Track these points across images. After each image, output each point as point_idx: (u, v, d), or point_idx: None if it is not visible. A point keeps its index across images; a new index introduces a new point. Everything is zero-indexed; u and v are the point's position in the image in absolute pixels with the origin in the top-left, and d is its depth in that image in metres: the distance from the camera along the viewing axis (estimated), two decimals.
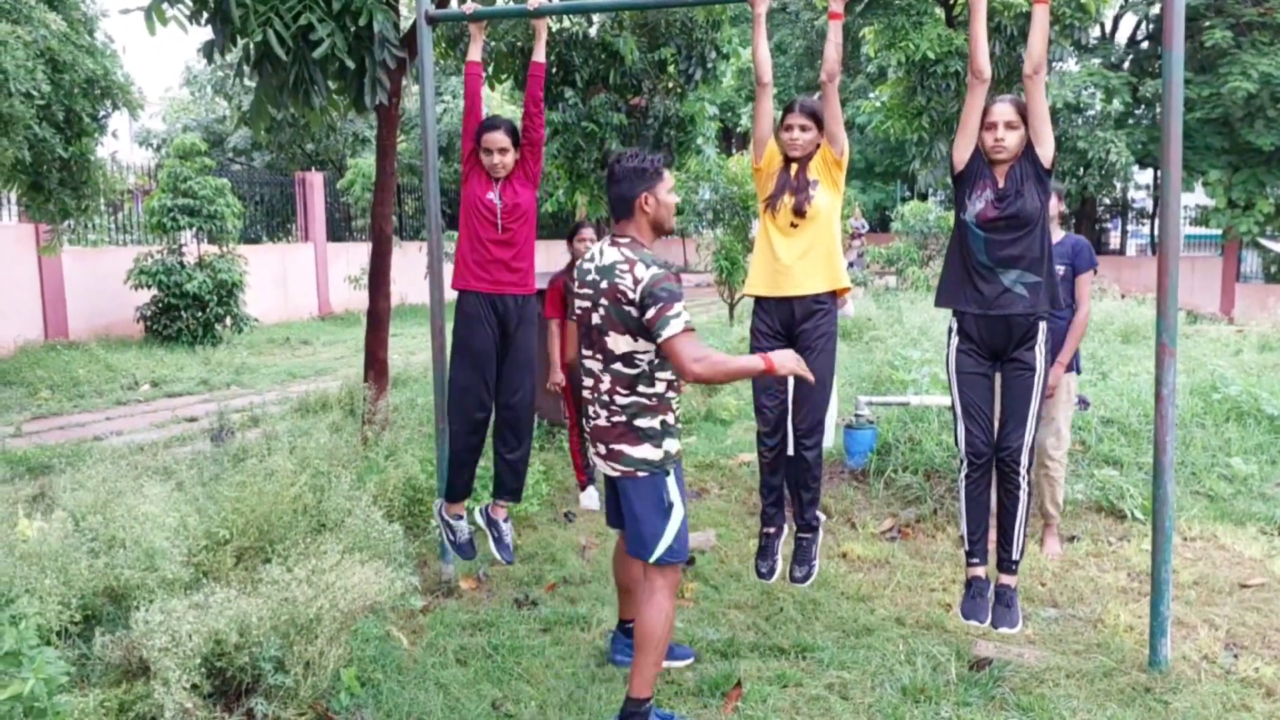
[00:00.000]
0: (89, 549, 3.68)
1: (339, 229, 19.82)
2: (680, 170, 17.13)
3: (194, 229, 12.93)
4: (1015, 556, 3.88)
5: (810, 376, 3.20)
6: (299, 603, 3.32)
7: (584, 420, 3.42)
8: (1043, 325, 3.68)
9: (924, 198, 23.39)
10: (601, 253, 3.23)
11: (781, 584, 4.55)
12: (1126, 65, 22.86)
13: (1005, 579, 3.88)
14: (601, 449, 3.27)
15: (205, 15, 5.20)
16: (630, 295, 3.07)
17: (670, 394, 3.24)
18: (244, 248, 14.36)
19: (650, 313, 3.03)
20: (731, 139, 28.58)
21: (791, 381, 4.01)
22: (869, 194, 27.56)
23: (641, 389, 3.18)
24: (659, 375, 3.19)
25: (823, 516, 5.13)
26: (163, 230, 12.72)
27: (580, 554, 5.08)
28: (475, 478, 4.59)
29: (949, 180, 4.02)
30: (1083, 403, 6.22)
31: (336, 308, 18.17)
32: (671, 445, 3.23)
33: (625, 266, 3.11)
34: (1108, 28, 24.81)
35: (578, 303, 3.30)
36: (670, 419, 3.24)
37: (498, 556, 4.46)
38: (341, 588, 3.42)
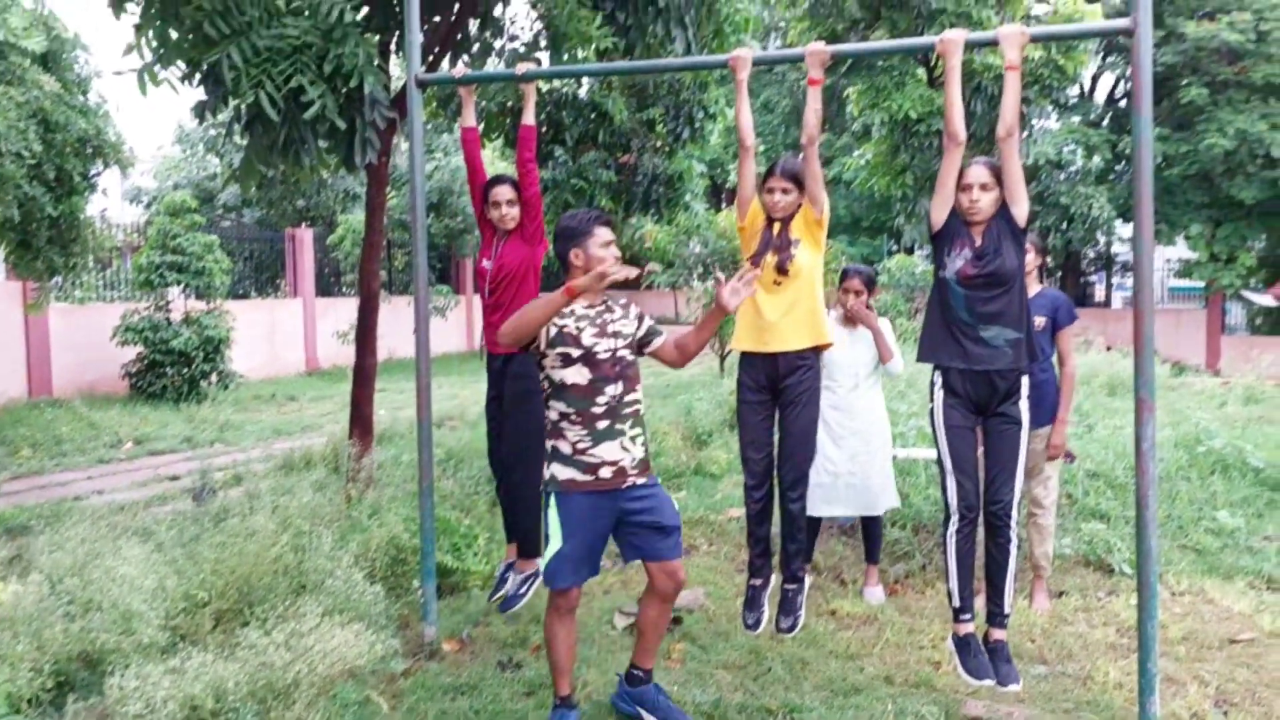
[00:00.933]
0: (64, 612, 3.63)
1: (328, 284, 19.87)
2: (670, 224, 17.33)
3: (182, 285, 12.94)
4: (1007, 610, 3.87)
5: (631, 272, 3.34)
6: (277, 667, 3.28)
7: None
8: (1025, 379, 3.72)
9: (910, 251, 23.61)
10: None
11: (770, 643, 4.52)
12: (1105, 123, 23.24)
13: (998, 634, 3.86)
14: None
15: (197, 77, 5.27)
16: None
17: (563, 424, 3.42)
18: (232, 303, 14.36)
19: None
20: (720, 194, 28.90)
21: (777, 435, 4.04)
22: (856, 248, 27.78)
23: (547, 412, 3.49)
24: (553, 403, 3.44)
25: (809, 570, 5.12)
26: (150, 287, 12.73)
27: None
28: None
29: (925, 235, 4.12)
30: (1069, 456, 6.22)
31: (324, 363, 18.14)
32: (558, 470, 3.40)
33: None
34: (1086, 87, 25.30)
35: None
36: (563, 446, 3.41)
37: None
38: (320, 651, 3.38)
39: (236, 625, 3.88)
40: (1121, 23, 3.56)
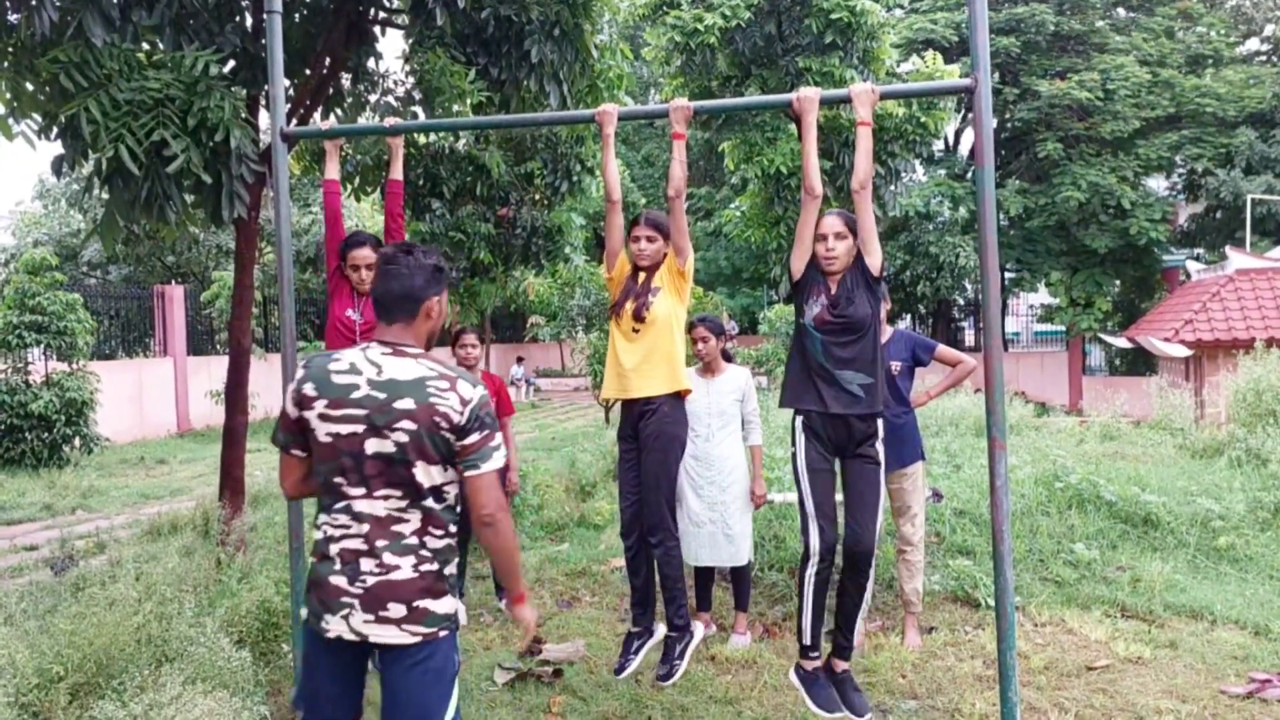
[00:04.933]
0: None
1: (201, 342, 19.24)
2: (552, 277, 17.40)
3: (42, 346, 12.39)
4: (856, 643, 4.01)
5: (524, 643, 2.88)
6: None
7: (354, 579, 2.59)
8: (879, 422, 3.87)
9: (788, 301, 24.21)
10: (378, 364, 2.63)
11: (650, 692, 4.53)
12: (969, 175, 24.46)
13: (844, 665, 3.96)
14: (395, 610, 2.56)
15: (55, 130, 5.10)
16: (455, 419, 2.57)
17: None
18: (97, 364, 13.78)
19: (473, 438, 2.58)
20: (603, 246, 29.19)
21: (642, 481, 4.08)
22: (737, 299, 28.41)
23: (451, 528, 2.68)
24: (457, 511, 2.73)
25: (707, 619, 5.16)
26: (7, 348, 12.15)
27: None
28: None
29: (787, 283, 4.25)
30: (936, 495, 6.46)
31: (197, 424, 17.49)
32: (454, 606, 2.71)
33: (444, 384, 2.59)
34: (950, 142, 26.61)
35: (332, 427, 2.60)
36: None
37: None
38: None
39: (93, 699, 3.69)
40: (963, 82, 3.80)
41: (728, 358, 5.28)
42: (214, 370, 17.38)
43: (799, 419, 3.91)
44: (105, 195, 5.33)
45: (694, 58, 12.45)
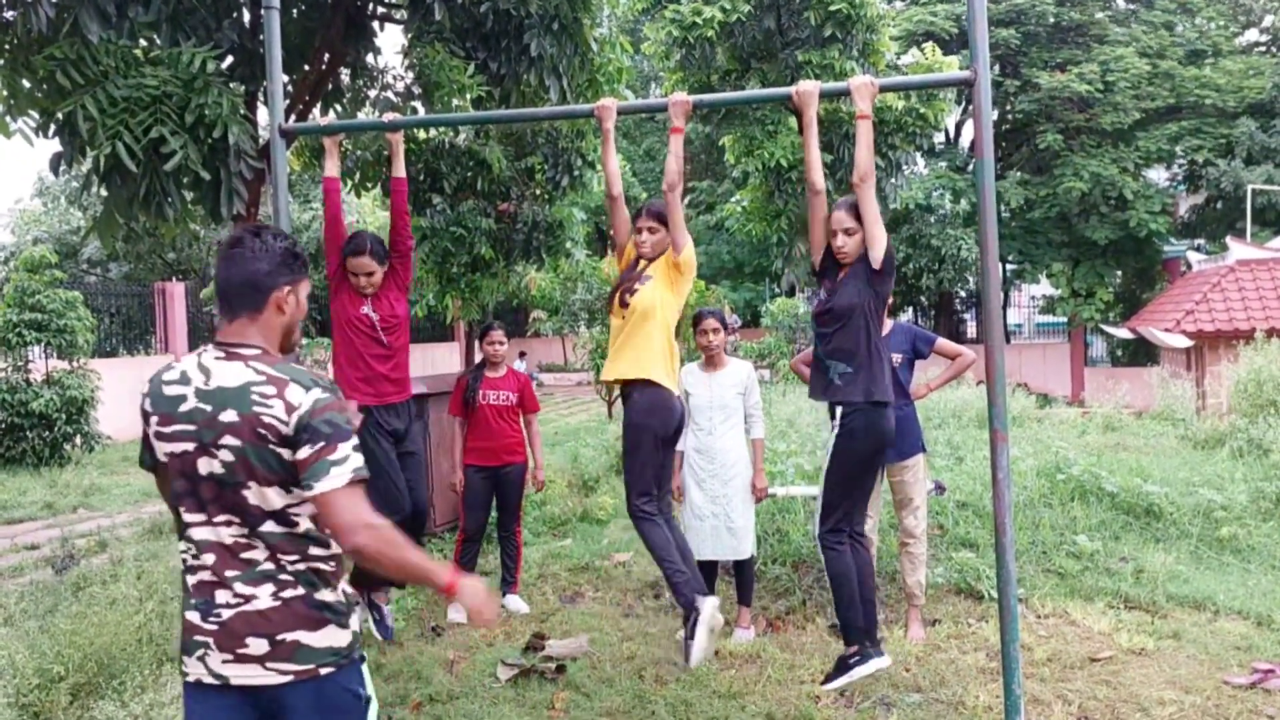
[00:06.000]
0: None
1: (202, 339, 19.22)
2: (553, 271, 17.39)
3: (42, 344, 12.36)
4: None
5: (481, 620, 2.31)
6: None
7: (207, 615, 2.21)
8: (839, 412, 3.85)
9: (791, 294, 24.24)
10: (207, 371, 2.24)
11: (654, 686, 4.53)
12: (970, 167, 24.43)
13: (847, 649, 4.03)
14: (256, 646, 2.18)
15: (53, 128, 5.09)
16: (282, 429, 2.17)
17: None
18: (97, 362, 13.76)
19: (305, 452, 2.15)
20: (604, 240, 29.15)
21: None
22: (740, 292, 28.39)
23: (315, 551, 2.25)
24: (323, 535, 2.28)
25: (706, 603, 5.10)
26: (7, 347, 12.12)
27: (448, 669, 4.93)
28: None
29: (811, 277, 4.31)
30: (938, 488, 6.45)
31: None
32: (355, 622, 2.32)
33: (270, 389, 2.19)
34: (951, 134, 26.55)
35: (166, 446, 2.25)
36: (347, 585, 2.35)
37: (377, 635, 4.60)
38: None
39: (94, 699, 3.69)
40: (963, 74, 3.79)
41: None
42: None
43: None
44: (104, 192, 5.32)
45: (693, 52, 12.42)
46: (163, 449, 2.25)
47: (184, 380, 2.24)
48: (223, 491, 2.20)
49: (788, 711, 4.24)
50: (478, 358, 6.16)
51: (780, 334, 21.48)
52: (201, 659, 2.20)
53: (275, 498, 2.20)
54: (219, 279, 2.32)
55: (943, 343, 5.26)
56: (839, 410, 3.86)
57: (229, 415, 2.18)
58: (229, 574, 2.20)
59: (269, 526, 2.20)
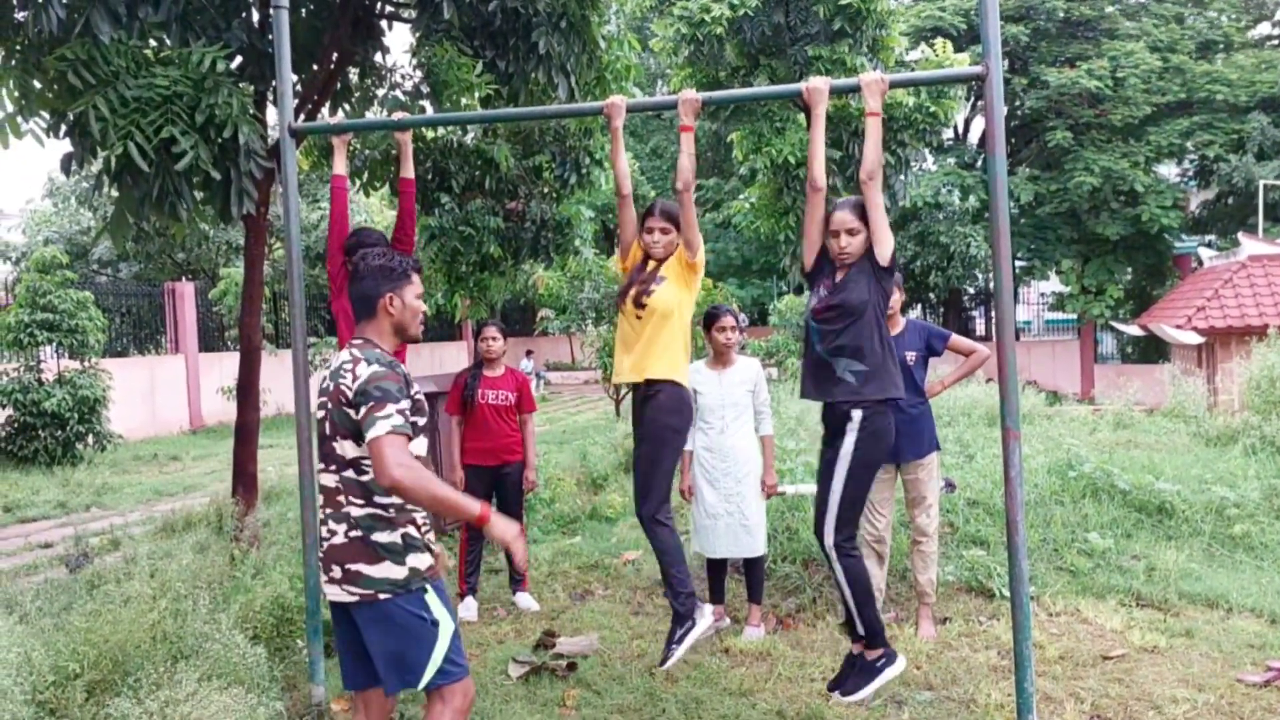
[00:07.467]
0: None
1: (212, 339, 19.31)
2: (561, 270, 17.40)
3: (54, 344, 12.43)
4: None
5: (517, 559, 2.97)
6: None
7: (321, 545, 3.02)
8: (857, 414, 3.74)
9: (799, 292, 24.19)
10: (336, 358, 3.03)
11: (665, 684, 4.53)
12: (979, 164, 24.36)
13: (860, 649, 3.97)
14: (336, 572, 2.93)
15: (64, 128, 5.11)
16: (349, 394, 2.87)
17: (412, 506, 2.97)
18: (109, 361, 13.83)
19: (362, 411, 2.80)
20: (612, 239, 29.17)
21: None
22: (747, 290, 28.35)
23: (378, 499, 2.93)
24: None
25: (719, 612, 5.11)
26: (20, 347, 12.19)
27: None
28: None
29: (802, 278, 4.23)
30: (949, 485, 6.44)
31: (209, 420, 17.55)
32: (419, 560, 2.94)
33: (349, 365, 2.91)
34: (960, 131, 26.48)
35: (317, 414, 3.06)
36: (414, 532, 2.96)
37: None
38: (197, 718, 3.25)
39: (109, 696, 3.71)
40: (974, 69, 3.77)
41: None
42: (225, 367, 17.44)
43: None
44: (115, 193, 5.33)
45: (702, 48, 12.41)
46: (316, 416, 3.10)
47: (328, 366, 3.06)
48: (324, 444, 2.96)
49: (798, 709, 4.24)
50: None
51: (788, 332, 21.37)
52: (326, 580, 2.96)
53: (350, 449, 2.91)
54: (351, 293, 3.10)
55: (957, 339, 5.24)
56: (858, 413, 3.73)
57: (331, 386, 2.94)
58: (327, 512, 2.98)
59: (349, 474, 2.93)
